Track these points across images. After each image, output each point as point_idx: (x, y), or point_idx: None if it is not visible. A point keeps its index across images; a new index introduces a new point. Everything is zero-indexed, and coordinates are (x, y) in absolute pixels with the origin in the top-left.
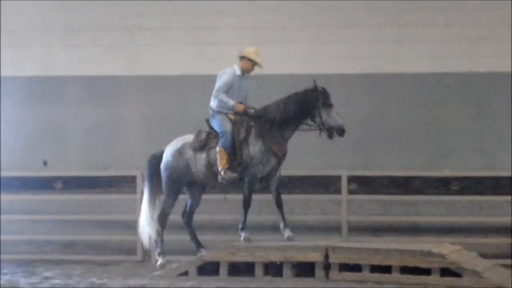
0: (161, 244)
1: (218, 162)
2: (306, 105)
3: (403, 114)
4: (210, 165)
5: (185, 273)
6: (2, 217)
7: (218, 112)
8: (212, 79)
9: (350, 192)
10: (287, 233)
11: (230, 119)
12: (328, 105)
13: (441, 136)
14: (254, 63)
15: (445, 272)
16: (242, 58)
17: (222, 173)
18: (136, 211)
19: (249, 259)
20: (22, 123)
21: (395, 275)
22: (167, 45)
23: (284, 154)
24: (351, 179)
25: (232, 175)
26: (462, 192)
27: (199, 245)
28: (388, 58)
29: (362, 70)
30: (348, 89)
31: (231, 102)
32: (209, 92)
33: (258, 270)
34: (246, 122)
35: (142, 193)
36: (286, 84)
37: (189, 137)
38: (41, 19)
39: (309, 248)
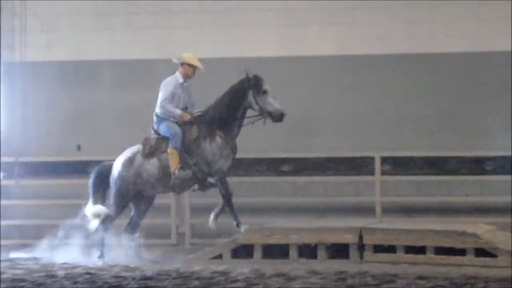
0: (101, 248)
1: (170, 163)
2: (242, 96)
3: (436, 94)
4: (163, 168)
5: (219, 256)
6: (37, 201)
7: (165, 118)
8: (241, 61)
9: (384, 173)
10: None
11: (177, 122)
12: (262, 91)
13: (474, 115)
14: (194, 67)
15: (480, 252)
16: (182, 64)
17: (176, 172)
18: (171, 194)
19: (283, 241)
20: (55, 108)
21: (430, 256)
22: (197, 28)
23: (236, 148)
24: (384, 160)
25: (185, 173)
26: (495, 171)
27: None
28: (421, 38)
29: (395, 50)
30: (381, 70)
31: (178, 112)
32: (240, 75)
33: (293, 253)
34: (195, 123)
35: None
36: (318, 66)
37: (138, 146)
38: (72, 3)
39: (343, 230)
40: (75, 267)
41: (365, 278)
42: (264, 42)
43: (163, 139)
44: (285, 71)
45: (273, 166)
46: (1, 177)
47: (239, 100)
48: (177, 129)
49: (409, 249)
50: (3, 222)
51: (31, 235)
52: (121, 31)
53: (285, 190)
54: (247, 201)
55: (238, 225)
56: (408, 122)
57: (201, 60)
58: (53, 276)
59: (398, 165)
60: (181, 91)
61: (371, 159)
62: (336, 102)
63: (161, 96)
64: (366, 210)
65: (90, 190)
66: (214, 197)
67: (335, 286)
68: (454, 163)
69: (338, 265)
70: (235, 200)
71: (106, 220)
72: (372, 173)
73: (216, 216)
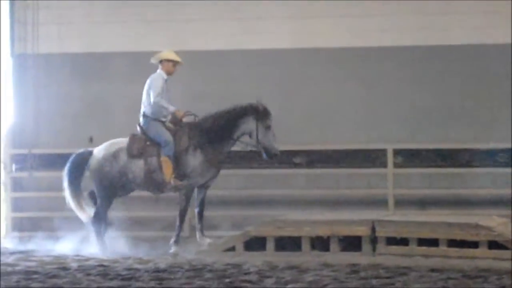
0: (102, 244)
1: (164, 171)
2: (244, 122)
3: (449, 86)
4: (150, 172)
5: (232, 248)
6: (50, 193)
7: (155, 119)
8: (255, 53)
9: (396, 165)
10: (207, 240)
11: (168, 129)
12: (266, 126)
13: (486, 107)
14: (174, 63)
15: (493, 244)
16: (161, 62)
17: (172, 182)
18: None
19: (296, 234)
20: (68, 100)
21: (442, 248)
22: (210, 19)
23: (220, 166)
24: (397, 152)
25: (181, 182)
26: (508, 164)
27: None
28: (434, 30)
29: (408, 42)
30: (393, 61)
31: (172, 108)
32: (253, 67)
33: (305, 245)
34: (186, 132)
35: None
36: (331, 58)
37: (122, 141)
38: None
39: (355, 222)
40: (88, 259)
41: (377, 270)
42: (277, 33)
43: (151, 142)
44: (298, 63)
45: (286, 158)
46: (14, 169)
47: (240, 123)
48: (169, 137)
49: (422, 242)
50: (16, 214)
51: (44, 227)
52: (133, 23)
53: (298, 183)
54: (259, 193)
55: (175, 242)
56: (421, 114)
57: (213, 52)
58: (66, 268)
59: (410, 157)
60: (166, 87)
61: (384, 151)
62: (348, 94)
63: (152, 92)
64: (378, 203)
65: (66, 178)
66: (226, 189)
67: (347, 279)
68: (466, 155)
69: (351, 257)
70: (249, 192)
71: (97, 217)
72: (384, 165)
73: (202, 232)
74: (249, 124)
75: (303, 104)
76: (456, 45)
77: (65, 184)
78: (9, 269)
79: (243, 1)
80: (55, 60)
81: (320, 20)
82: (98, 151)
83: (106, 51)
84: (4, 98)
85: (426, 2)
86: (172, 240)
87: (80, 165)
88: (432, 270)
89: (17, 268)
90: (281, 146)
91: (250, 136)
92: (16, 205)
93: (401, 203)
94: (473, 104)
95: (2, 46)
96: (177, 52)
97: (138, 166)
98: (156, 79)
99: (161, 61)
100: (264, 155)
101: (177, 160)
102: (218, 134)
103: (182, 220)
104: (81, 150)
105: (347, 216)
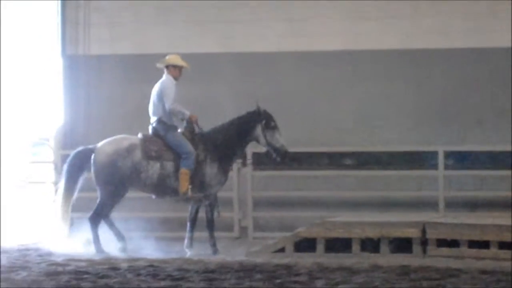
0: (97, 244)
1: (181, 183)
2: (250, 128)
3: (499, 88)
4: (164, 177)
5: (282, 250)
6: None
7: (171, 126)
8: (305, 55)
9: (447, 167)
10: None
11: (188, 139)
12: (271, 127)
13: None
14: (180, 67)
15: None
16: (167, 67)
17: (189, 193)
18: (232, 187)
19: (346, 235)
20: (118, 102)
21: (493, 250)
22: (260, 21)
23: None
24: (447, 154)
25: (198, 194)
26: None
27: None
28: (483, 32)
29: (457, 44)
30: (444, 64)
31: (187, 112)
32: (303, 69)
33: (355, 246)
34: (201, 142)
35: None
36: (381, 60)
37: (130, 138)
38: None
39: (406, 224)
40: (137, 259)
41: (428, 272)
42: (327, 35)
43: (166, 147)
44: (347, 65)
45: (336, 160)
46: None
47: (247, 132)
48: (191, 148)
49: (473, 244)
50: None
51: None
52: (184, 25)
53: (348, 184)
54: (309, 195)
55: (215, 252)
56: (472, 115)
57: (263, 54)
58: (116, 268)
59: (461, 159)
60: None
61: (435, 153)
62: (399, 96)
63: (167, 100)
64: (429, 205)
65: (65, 175)
66: (276, 190)
67: (397, 280)
68: None
69: (401, 259)
70: (299, 193)
71: (98, 214)
72: (435, 167)
73: (214, 246)
74: (255, 130)
75: (353, 106)
76: (506, 47)
77: (61, 183)
78: (60, 269)
79: (293, 1)
80: (106, 61)
81: (370, 22)
82: (105, 146)
83: (156, 52)
84: (55, 99)
85: (475, 3)
86: (212, 250)
87: (79, 164)
88: (483, 272)
89: (68, 268)
90: (330, 147)
91: (258, 141)
92: None
93: (452, 205)
94: None
95: (54, 47)
96: (227, 54)
97: (153, 168)
98: (169, 87)
99: (167, 66)
100: (275, 156)
101: (196, 171)
102: (228, 145)
103: (213, 229)
104: (79, 148)
105: (397, 218)
